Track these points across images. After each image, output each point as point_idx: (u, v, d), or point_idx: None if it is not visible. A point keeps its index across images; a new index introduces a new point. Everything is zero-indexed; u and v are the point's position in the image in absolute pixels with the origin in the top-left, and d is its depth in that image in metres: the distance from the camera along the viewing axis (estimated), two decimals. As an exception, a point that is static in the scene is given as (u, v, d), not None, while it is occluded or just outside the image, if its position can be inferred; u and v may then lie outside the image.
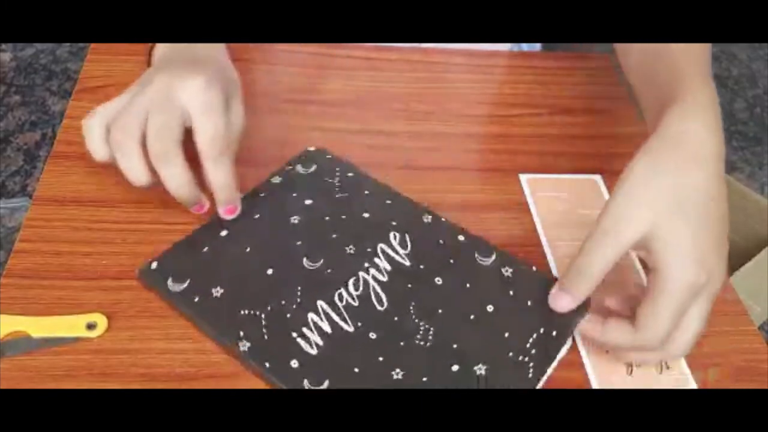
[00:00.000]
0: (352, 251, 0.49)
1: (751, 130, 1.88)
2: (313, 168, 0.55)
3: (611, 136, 0.65)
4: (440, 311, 0.46)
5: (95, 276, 0.47)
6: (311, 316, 0.45)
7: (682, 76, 0.49)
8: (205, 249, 0.48)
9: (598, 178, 0.61)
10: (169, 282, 0.46)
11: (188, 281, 0.46)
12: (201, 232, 0.50)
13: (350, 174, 0.55)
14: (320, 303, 0.46)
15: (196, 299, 0.45)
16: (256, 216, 0.51)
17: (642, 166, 0.44)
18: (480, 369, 0.43)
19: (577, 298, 0.45)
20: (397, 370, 0.43)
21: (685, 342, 0.44)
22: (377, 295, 0.47)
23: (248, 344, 0.43)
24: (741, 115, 1.92)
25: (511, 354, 0.44)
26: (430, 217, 0.53)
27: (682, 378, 0.47)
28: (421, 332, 0.45)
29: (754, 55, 2.13)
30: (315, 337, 0.44)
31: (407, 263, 0.49)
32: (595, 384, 0.46)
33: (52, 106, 1.64)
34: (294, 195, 0.53)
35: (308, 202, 0.52)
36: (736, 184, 1.29)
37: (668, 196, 0.43)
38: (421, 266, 0.49)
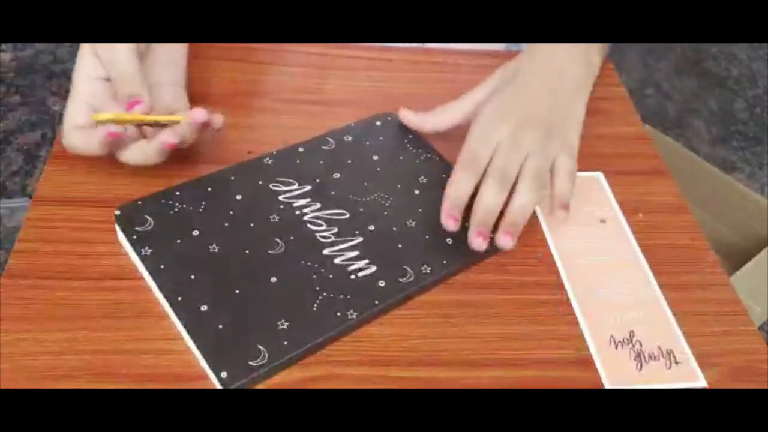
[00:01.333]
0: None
1: (751, 130, 1.88)
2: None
3: (611, 136, 0.65)
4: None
5: (95, 276, 0.47)
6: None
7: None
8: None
9: (600, 175, 0.61)
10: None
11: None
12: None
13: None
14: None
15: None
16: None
17: (502, 68, 0.58)
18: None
19: (418, 124, 0.58)
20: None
21: (521, 201, 0.51)
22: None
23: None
24: (741, 115, 1.92)
25: None
26: None
27: (690, 372, 0.47)
28: None
29: (754, 55, 2.13)
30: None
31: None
32: (606, 381, 0.46)
33: (52, 106, 1.64)
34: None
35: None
36: (736, 184, 1.29)
37: (504, 75, 0.57)
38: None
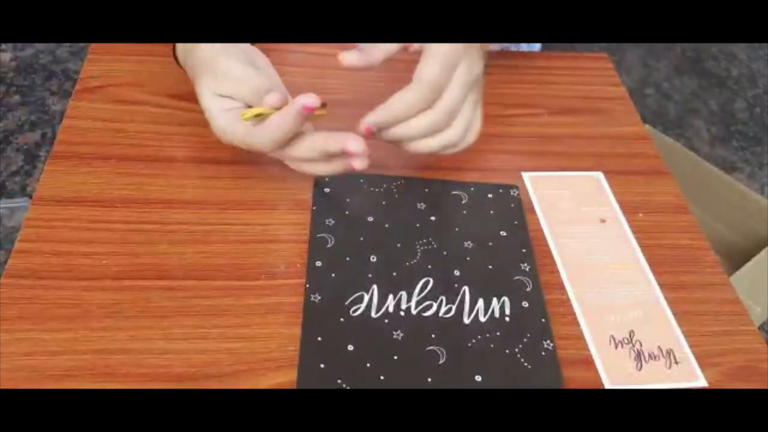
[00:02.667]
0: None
1: (751, 130, 1.88)
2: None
3: (611, 136, 0.65)
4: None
5: (95, 276, 0.47)
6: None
7: None
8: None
9: (600, 175, 0.61)
10: None
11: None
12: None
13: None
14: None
15: None
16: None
17: None
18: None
19: (367, 60, 0.52)
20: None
21: (463, 125, 0.51)
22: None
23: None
24: (741, 115, 1.92)
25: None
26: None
27: (690, 372, 0.47)
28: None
29: (754, 55, 2.13)
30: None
31: None
32: (606, 381, 0.46)
33: (52, 106, 1.65)
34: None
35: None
36: (736, 184, 1.29)
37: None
38: None
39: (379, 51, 0.52)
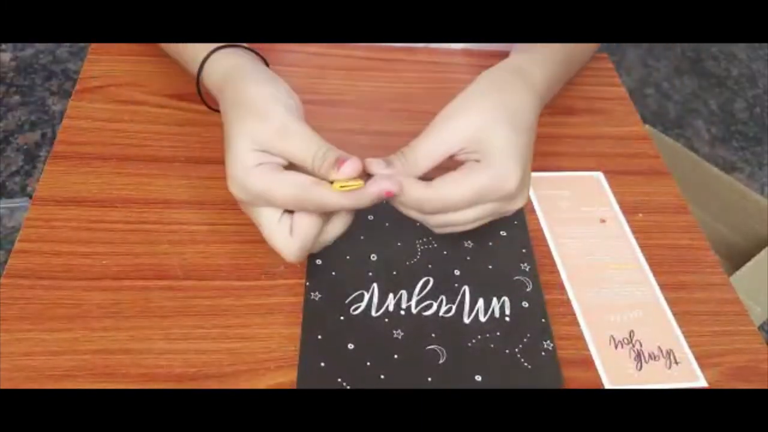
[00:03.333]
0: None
1: (751, 130, 1.88)
2: None
3: (611, 136, 0.65)
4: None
5: (95, 276, 0.47)
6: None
7: (536, 47, 0.55)
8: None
9: (600, 175, 0.61)
10: None
11: None
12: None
13: None
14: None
15: None
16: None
17: (481, 81, 0.49)
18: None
19: (397, 184, 0.44)
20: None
21: (453, 223, 0.47)
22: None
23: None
24: (741, 115, 1.92)
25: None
26: None
27: (690, 372, 0.48)
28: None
29: (754, 55, 2.13)
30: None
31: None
32: (606, 381, 0.47)
33: (52, 106, 1.64)
34: None
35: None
36: (736, 184, 1.29)
37: (500, 107, 0.47)
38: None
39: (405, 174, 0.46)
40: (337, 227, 0.46)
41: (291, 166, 0.44)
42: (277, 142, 0.43)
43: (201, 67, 0.51)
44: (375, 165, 0.45)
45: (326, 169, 0.42)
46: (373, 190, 0.43)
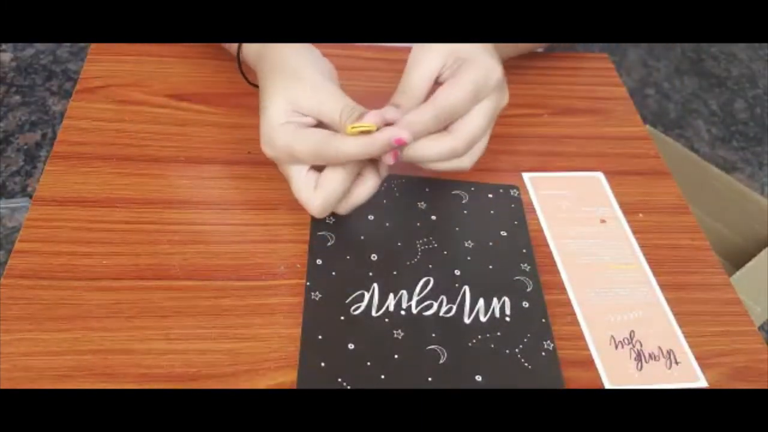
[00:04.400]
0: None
1: (751, 130, 1.88)
2: None
3: (611, 136, 0.65)
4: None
5: (95, 276, 0.47)
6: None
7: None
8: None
9: (600, 175, 0.61)
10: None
11: None
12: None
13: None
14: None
15: None
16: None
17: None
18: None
19: (407, 131, 0.46)
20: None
21: (477, 154, 0.51)
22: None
23: None
24: (741, 115, 1.92)
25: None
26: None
27: (690, 372, 0.48)
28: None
29: (754, 55, 2.13)
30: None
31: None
32: (606, 381, 0.46)
33: (52, 106, 1.64)
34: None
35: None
36: (736, 184, 1.29)
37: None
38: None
39: (414, 106, 0.49)
40: (363, 191, 0.49)
41: (321, 126, 0.48)
42: (309, 99, 0.47)
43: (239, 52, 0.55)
44: (387, 112, 0.47)
45: (352, 122, 0.46)
46: (384, 136, 0.45)
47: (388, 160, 0.47)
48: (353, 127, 0.45)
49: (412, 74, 0.50)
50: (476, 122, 0.50)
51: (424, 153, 0.49)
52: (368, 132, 0.45)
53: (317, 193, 0.48)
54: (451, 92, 0.48)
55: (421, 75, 0.50)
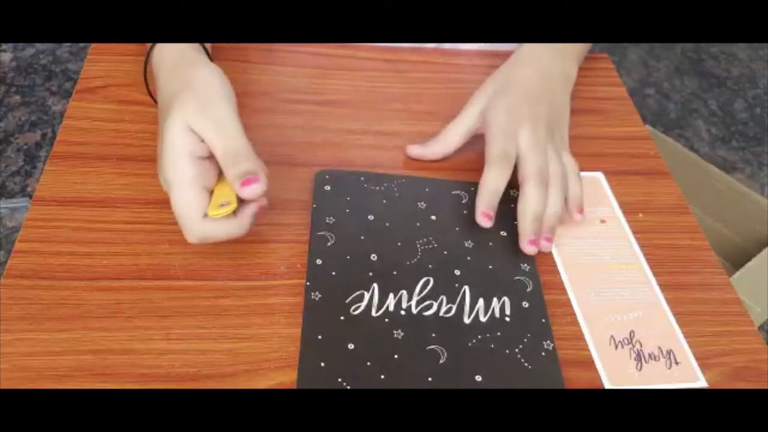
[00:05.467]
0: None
1: (751, 130, 1.88)
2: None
3: (611, 136, 0.65)
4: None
5: (95, 276, 0.47)
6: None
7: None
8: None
9: (600, 175, 0.61)
10: None
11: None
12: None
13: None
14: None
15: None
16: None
17: (492, 78, 0.59)
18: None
19: (433, 154, 0.59)
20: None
21: (555, 207, 0.53)
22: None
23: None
24: (741, 115, 1.92)
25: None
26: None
27: (690, 372, 0.48)
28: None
29: (754, 55, 2.13)
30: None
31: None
32: (606, 381, 0.46)
33: (52, 106, 1.64)
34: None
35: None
36: (736, 184, 1.29)
37: (497, 83, 0.58)
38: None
39: (436, 151, 0.59)
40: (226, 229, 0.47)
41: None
42: (211, 135, 0.45)
43: (149, 51, 0.53)
44: (413, 149, 0.59)
45: (214, 206, 0.45)
46: (248, 213, 0.46)
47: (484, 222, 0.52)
48: (214, 212, 0.45)
49: (450, 126, 0.58)
50: (528, 160, 0.52)
51: (527, 224, 0.52)
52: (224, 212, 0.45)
53: (204, 225, 0.45)
54: (488, 146, 0.54)
55: (458, 130, 0.58)
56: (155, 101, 0.51)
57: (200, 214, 0.45)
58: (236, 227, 0.46)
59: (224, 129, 0.45)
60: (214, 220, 0.45)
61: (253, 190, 0.44)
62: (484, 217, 0.51)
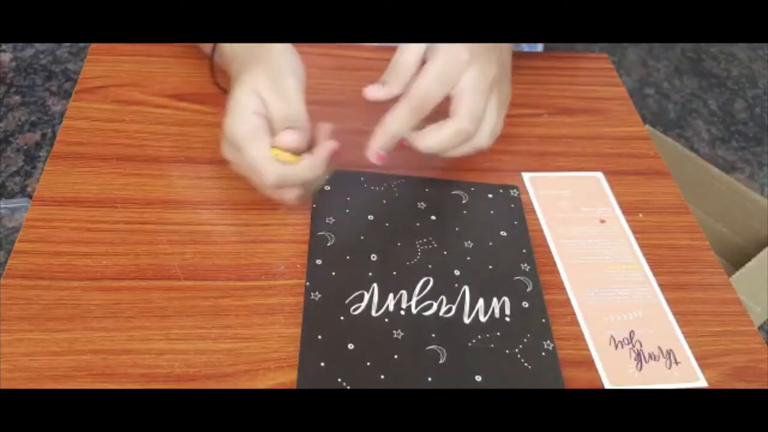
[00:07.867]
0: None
1: (751, 130, 1.88)
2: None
3: (611, 136, 0.65)
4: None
5: (95, 276, 0.47)
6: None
7: None
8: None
9: (600, 175, 0.61)
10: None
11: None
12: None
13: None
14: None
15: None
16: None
17: None
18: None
19: (389, 93, 0.53)
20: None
21: (489, 129, 0.52)
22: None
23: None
24: (741, 115, 1.92)
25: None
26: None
27: (690, 372, 0.48)
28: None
29: (754, 55, 2.13)
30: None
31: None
32: (606, 381, 0.47)
33: (52, 106, 1.64)
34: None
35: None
36: (736, 184, 1.29)
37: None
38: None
39: (399, 85, 0.53)
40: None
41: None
42: (276, 103, 0.48)
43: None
44: (372, 90, 0.53)
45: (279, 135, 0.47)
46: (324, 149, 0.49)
47: (375, 160, 0.51)
48: (276, 153, 0.47)
49: (399, 56, 0.53)
50: (469, 98, 0.50)
51: (434, 141, 0.51)
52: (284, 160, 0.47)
53: (279, 166, 0.47)
54: (417, 82, 0.50)
55: (407, 58, 0.53)
56: (224, 91, 0.54)
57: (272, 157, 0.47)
58: (310, 167, 0.48)
59: (287, 99, 0.48)
60: (288, 164, 0.47)
61: (291, 136, 0.47)
62: (379, 159, 0.51)
